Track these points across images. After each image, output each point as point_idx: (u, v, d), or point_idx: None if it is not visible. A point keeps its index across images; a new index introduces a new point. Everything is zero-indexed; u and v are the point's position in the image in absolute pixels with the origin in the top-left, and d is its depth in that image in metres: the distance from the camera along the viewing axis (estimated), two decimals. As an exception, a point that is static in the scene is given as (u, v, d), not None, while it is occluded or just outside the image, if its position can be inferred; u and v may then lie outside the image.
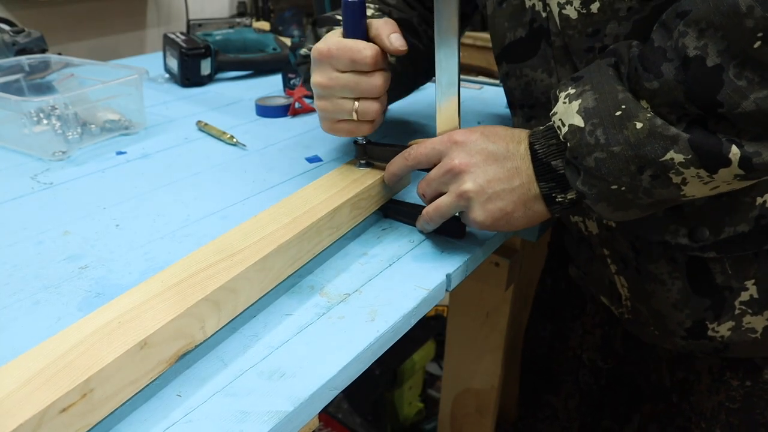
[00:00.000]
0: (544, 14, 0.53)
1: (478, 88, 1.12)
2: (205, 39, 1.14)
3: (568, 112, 0.46)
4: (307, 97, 1.00)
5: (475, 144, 0.52)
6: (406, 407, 1.40)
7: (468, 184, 0.51)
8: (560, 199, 0.50)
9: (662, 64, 0.42)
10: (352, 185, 0.59)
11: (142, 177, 0.73)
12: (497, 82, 1.14)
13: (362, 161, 0.63)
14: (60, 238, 0.59)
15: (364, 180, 0.60)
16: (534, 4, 0.54)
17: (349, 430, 1.40)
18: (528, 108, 0.61)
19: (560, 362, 0.80)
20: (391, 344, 0.49)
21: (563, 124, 0.47)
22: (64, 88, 0.94)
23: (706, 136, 0.41)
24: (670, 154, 0.42)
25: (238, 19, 2.10)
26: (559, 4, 0.51)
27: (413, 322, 0.51)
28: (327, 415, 1.42)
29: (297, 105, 0.95)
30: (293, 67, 1.06)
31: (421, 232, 0.60)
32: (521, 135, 0.52)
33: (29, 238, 0.59)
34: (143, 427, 0.38)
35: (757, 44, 0.37)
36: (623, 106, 0.43)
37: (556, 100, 0.49)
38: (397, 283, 0.53)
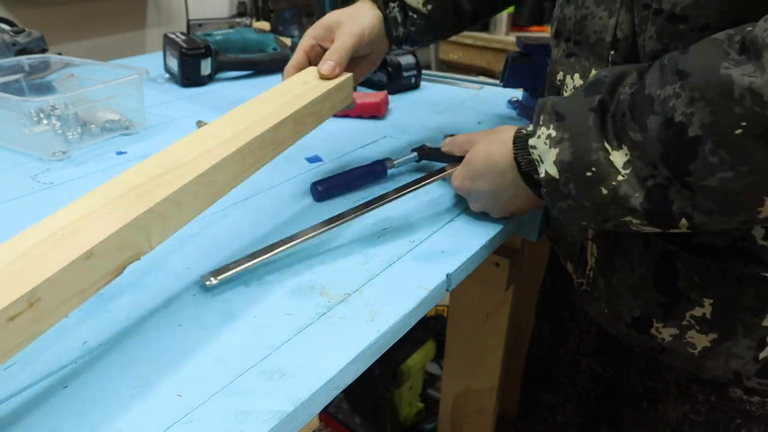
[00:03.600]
0: None
1: (478, 88, 1.12)
2: (206, 39, 1.14)
3: (546, 157, 0.50)
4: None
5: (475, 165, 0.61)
6: (406, 407, 1.40)
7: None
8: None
9: (649, 116, 0.43)
10: (295, 100, 0.58)
11: (142, 177, 0.73)
12: (497, 82, 1.14)
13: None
14: (60, 238, 0.59)
15: (306, 95, 0.60)
16: None
17: (349, 430, 1.40)
18: (573, 44, 0.59)
19: (559, 364, 0.80)
20: (391, 344, 0.49)
21: (541, 161, 0.51)
22: (64, 88, 0.94)
23: (662, 211, 0.45)
24: (629, 218, 0.47)
25: (238, 19, 2.09)
26: None
27: (413, 322, 0.51)
28: (327, 415, 1.42)
29: (297, 105, 0.95)
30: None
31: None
32: (502, 151, 0.57)
33: (29, 238, 0.59)
34: (143, 427, 0.38)
35: (738, 131, 0.38)
36: (593, 169, 0.47)
37: (536, 126, 0.51)
38: (397, 283, 0.53)
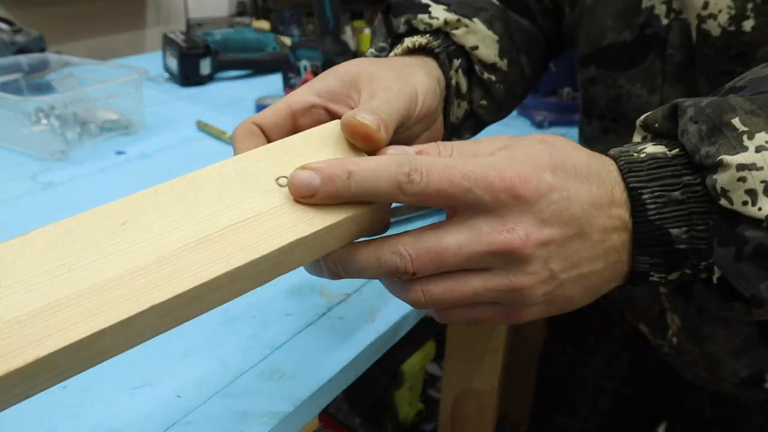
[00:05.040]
0: (665, 21, 0.44)
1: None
2: (205, 38, 1.14)
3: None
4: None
5: (551, 204, 0.28)
6: (406, 407, 1.39)
7: (534, 278, 0.29)
8: (657, 279, 0.31)
9: None
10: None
11: (141, 177, 0.73)
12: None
13: None
14: (59, 238, 0.59)
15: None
16: (654, 6, 0.45)
17: (349, 430, 1.40)
18: (610, 121, 0.52)
19: (580, 388, 0.76)
20: (391, 344, 0.48)
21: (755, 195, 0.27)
22: (63, 87, 0.93)
23: None
24: None
25: (237, 19, 2.10)
26: (700, 17, 0.41)
27: (413, 322, 0.51)
28: (327, 415, 1.41)
29: (297, 105, 0.95)
30: (293, 67, 1.06)
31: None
32: (608, 177, 0.30)
33: (28, 238, 0.59)
34: (143, 427, 0.38)
35: None
36: None
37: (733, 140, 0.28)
38: (398, 283, 0.53)
